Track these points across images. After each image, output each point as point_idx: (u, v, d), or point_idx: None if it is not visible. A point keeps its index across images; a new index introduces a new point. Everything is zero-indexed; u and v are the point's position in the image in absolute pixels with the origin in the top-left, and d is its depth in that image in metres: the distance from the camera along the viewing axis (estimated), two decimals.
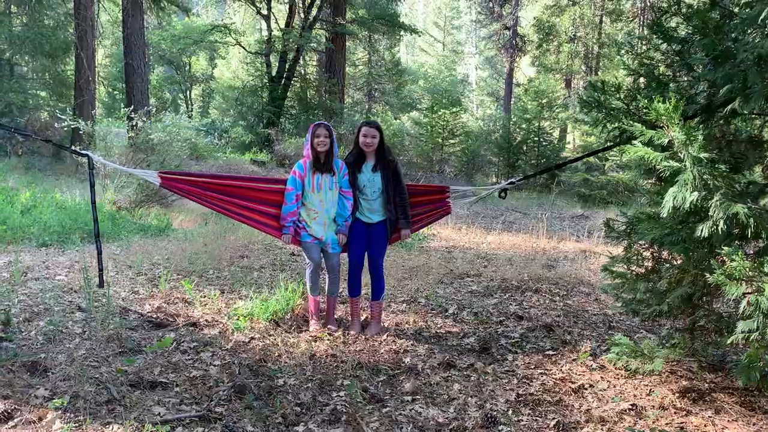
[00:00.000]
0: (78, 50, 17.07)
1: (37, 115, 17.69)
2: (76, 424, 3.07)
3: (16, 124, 16.30)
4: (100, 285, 4.62)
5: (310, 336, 4.70)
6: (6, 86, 16.01)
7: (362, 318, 5.06)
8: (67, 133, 16.28)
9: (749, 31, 3.35)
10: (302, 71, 28.27)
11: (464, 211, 13.07)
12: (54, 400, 3.29)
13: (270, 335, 4.67)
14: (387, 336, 4.83)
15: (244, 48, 27.45)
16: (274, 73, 25.61)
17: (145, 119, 11.60)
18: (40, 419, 3.12)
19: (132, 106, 12.58)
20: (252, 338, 4.59)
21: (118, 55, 31.12)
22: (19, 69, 18.38)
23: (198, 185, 4.72)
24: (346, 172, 4.82)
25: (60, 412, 3.20)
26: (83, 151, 4.76)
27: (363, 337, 4.82)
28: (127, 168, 5.08)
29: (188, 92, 38.60)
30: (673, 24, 3.73)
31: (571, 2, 28.33)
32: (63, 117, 11.75)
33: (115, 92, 34.39)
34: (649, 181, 3.98)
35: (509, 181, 5.22)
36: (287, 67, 25.57)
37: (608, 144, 4.15)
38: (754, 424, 3.51)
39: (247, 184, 4.93)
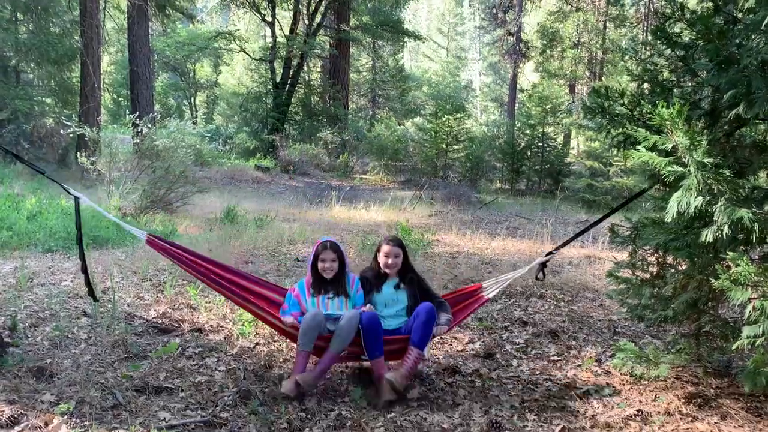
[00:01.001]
0: (84, 57, 17.18)
1: (42, 122, 17.77)
2: (82, 429, 3.08)
3: (21, 131, 16.38)
4: (94, 299, 4.24)
5: (286, 391, 3.67)
6: (12, 93, 16.09)
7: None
8: (72, 139, 16.36)
9: (753, 36, 3.35)
10: (306, 77, 28.42)
11: (468, 216, 13.08)
12: (60, 405, 3.31)
13: (275, 341, 4.67)
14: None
15: (248, 54, 27.60)
16: (278, 80, 25.72)
17: (149, 126, 11.65)
18: (47, 424, 3.13)
19: (137, 113, 12.66)
20: (257, 344, 4.60)
21: (123, 62, 31.31)
22: (25, 76, 18.48)
23: (183, 261, 4.07)
24: (359, 287, 4.12)
25: (66, 417, 3.21)
26: (73, 192, 4.18)
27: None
28: (114, 218, 4.73)
29: (192, 99, 38.80)
30: (676, 29, 3.73)
31: (574, 8, 28.38)
32: (69, 123, 11.82)
33: (120, 99, 34.58)
34: (654, 187, 3.97)
35: (547, 253, 4.28)
36: (291, 73, 25.68)
37: (613, 151, 4.15)
38: (760, 430, 3.50)
39: (238, 280, 4.12)
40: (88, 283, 4.08)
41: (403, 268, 4.19)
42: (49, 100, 19.00)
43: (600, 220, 4.28)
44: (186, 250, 4.17)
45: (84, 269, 4.07)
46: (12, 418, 3.13)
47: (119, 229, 8.83)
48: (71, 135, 13.27)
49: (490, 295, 4.23)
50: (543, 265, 4.23)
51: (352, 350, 3.91)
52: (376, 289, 4.13)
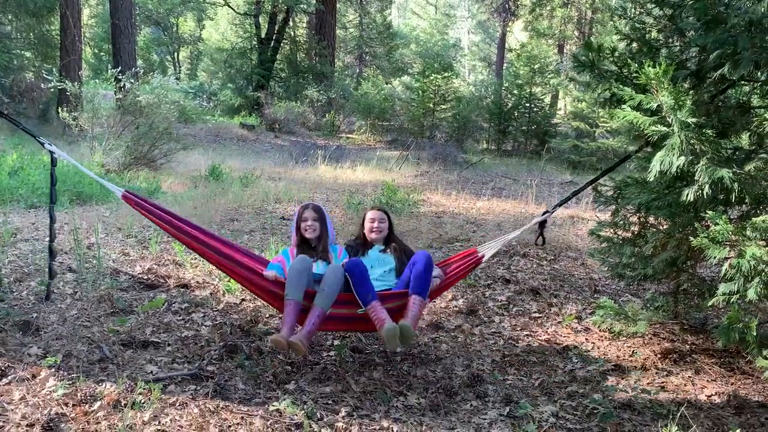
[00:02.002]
0: (63, 9, 16.70)
1: (22, 76, 17.39)
2: (70, 382, 3.11)
3: (0, 85, 16.04)
4: (47, 298, 4.22)
5: (274, 343, 3.39)
6: None
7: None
8: (53, 94, 16.06)
9: None
10: (292, 33, 27.93)
11: (454, 177, 13.10)
12: (47, 359, 3.34)
13: (257, 298, 4.70)
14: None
15: (232, 9, 27.01)
16: (263, 35, 25.26)
17: (132, 81, 11.44)
18: (34, 377, 3.16)
19: (119, 68, 12.41)
20: (243, 300, 4.64)
21: (104, 15, 30.52)
22: (2, 28, 17.98)
23: (162, 219, 3.88)
24: (347, 258, 3.96)
25: (53, 369, 3.24)
26: (47, 146, 4.08)
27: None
28: (91, 173, 4.57)
29: (176, 54, 38.04)
30: None
31: None
32: (49, 78, 11.58)
33: (102, 53, 33.80)
34: (644, 150, 3.99)
35: (544, 212, 4.18)
36: (277, 28, 25.22)
37: (598, 111, 4.14)
38: (732, 384, 3.62)
39: (218, 246, 3.91)
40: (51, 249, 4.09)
41: (389, 235, 4.13)
42: (28, 54, 18.56)
43: (599, 177, 4.17)
44: (162, 209, 4.01)
45: (52, 236, 4.07)
46: None
47: (103, 185, 8.76)
48: (52, 90, 13.04)
49: (487, 256, 4.09)
50: (542, 226, 4.12)
51: (346, 311, 3.64)
52: (362, 253, 4.03)
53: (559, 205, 4.30)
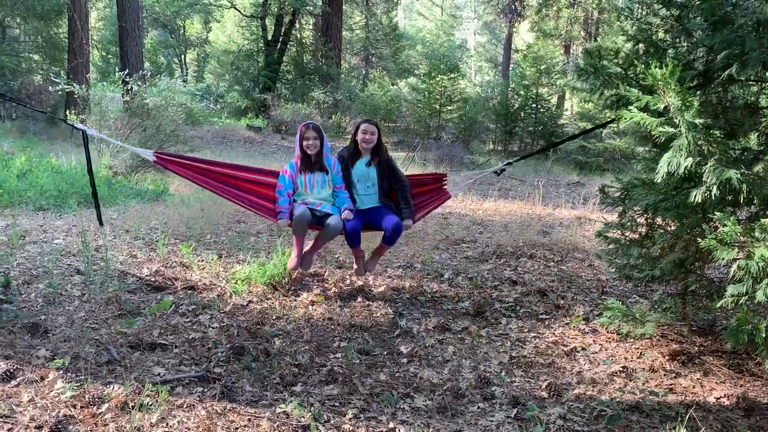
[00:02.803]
0: (71, 12, 16.81)
1: (30, 79, 17.51)
2: (78, 384, 3.12)
3: (9, 87, 16.15)
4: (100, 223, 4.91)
5: (290, 268, 4.85)
6: None
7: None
8: (61, 97, 16.14)
9: None
10: (298, 35, 27.99)
11: (460, 178, 13.07)
12: (55, 361, 3.35)
13: (267, 299, 4.72)
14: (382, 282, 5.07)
15: (239, 11, 27.10)
16: (269, 37, 25.34)
17: (140, 83, 11.50)
18: (42, 379, 3.17)
19: (126, 70, 12.47)
20: (250, 302, 4.65)
21: (111, 17, 30.69)
22: (11, 31, 18.12)
23: (191, 169, 4.63)
24: (340, 169, 4.77)
25: (61, 372, 3.26)
26: (80, 126, 4.74)
27: (361, 282, 5.15)
28: (123, 143, 5.06)
29: (183, 56, 38.21)
30: None
31: None
32: (57, 80, 11.65)
33: (109, 56, 34.00)
34: (644, 148, 3.99)
35: (506, 162, 5.08)
36: (283, 30, 25.30)
37: (606, 112, 4.14)
38: (741, 386, 3.60)
39: (240, 174, 4.78)
40: (97, 206, 4.78)
41: (377, 147, 4.78)
42: (36, 57, 18.69)
43: (557, 144, 4.79)
44: (192, 158, 4.80)
45: (96, 204, 4.77)
46: (8, 373, 3.17)
47: (111, 187, 8.80)
48: (60, 92, 13.11)
49: (452, 192, 5.08)
50: (501, 170, 5.07)
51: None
52: (350, 164, 4.76)
53: (524, 158, 5.55)
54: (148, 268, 5.21)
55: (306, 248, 4.86)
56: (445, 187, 5.07)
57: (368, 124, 4.80)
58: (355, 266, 5.00)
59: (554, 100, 22.25)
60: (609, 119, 4.15)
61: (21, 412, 2.84)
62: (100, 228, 4.82)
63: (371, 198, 4.78)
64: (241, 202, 4.67)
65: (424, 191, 5.07)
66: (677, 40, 3.86)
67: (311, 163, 4.70)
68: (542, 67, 19.65)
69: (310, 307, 4.65)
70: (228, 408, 3.06)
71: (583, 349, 4.14)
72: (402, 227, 4.64)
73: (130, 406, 2.95)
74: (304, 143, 4.68)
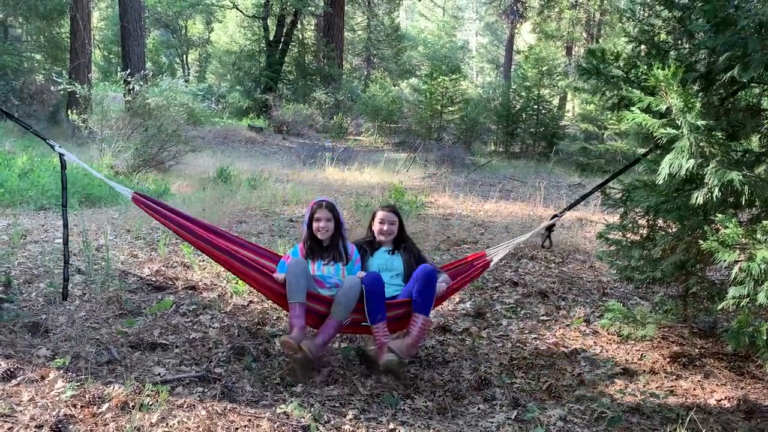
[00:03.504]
0: (73, 12, 16.83)
1: (32, 78, 17.52)
2: (78, 383, 3.12)
3: (11, 87, 16.16)
4: (64, 298, 4.14)
5: (283, 344, 3.48)
6: (0, 48, 15.80)
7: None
8: (63, 96, 16.15)
9: None
10: (300, 36, 28.02)
11: (462, 179, 13.08)
12: (56, 360, 3.35)
13: (268, 299, 4.71)
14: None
15: (241, 11, 27.13)
16: (271, 38, 25.36)
17: (141, 83, 11.50)
18: (43, 378, 3.17)
19: (128, 70, 12.47)
20: (250, 302, 4.65)
21: (113, 17, 30.70)
22: (13, 31, 18.14)
23: (170, 220, 3.84)
24: (359, 258, 3.92)
25: (62, 371, 3.25)
26: (57, 148, 4.06)
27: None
28: (100, 175, 4.47)
29: (185, 56, 38.22)
30: None
31: None
32: (59, 80, 11.66)
33: (111, 56, 34.01)
34: (653, 153, 3.97)
35: (552, 216, 4.19)
36: (285, 31, 25.31)
37: (607, 114, 4.11)
38: (742, 388, 3.59)
39: (227, 245, 3.83)
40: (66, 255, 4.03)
41: (399, 237, 4.04)
42: (38, 56, 18.71)
43: (607, 181, 4.13)
44: (173, 210, 3.97)
45: (65, 240, 3.99)
46: (8, 372, 3.17)
47: (112, 188, 8.80)
48: (61, 92, 13.11)
49: (495, 259, 4.07)
50: (549, 229, 4.14)
51: (354, 317, 3.64)
52: (369, 253, 3.96)
53: (568, 209, 4.28)
54: (149, 268, 5.21)
55: (315, 335, 3.58)
56: (486, 259, 4.09)
57: (386, 212, 4.03)
58: (378, 353, 3.51)
59: (556, 101, 22.25)
60: (640, 155, 3.98)
61: (21, 411, 2.84)
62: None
63: (395, 288, 3.85)
64: (227, 267, 3.80)
65: (465, 270, 4.09)
66: (679, 41, 3.85)
67: (321, 249, 3.87)
68: (544, 68, 19.64)
69: None
70: (228, 408, 3.06)
71: (583, 350, 4.14)
72: (434, 271, 3.71)
73: (130, 406, 2.94)
74: (315, 224, 3.84)
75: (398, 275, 3.91)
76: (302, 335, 3.42)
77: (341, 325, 3.59)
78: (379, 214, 4.03)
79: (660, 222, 4.07)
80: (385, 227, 3.98)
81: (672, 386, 3.62)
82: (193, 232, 3.78)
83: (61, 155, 4.02)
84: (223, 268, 5.20)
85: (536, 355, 4.06)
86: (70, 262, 5.15)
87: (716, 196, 3.04)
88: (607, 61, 3.62)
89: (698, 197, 3.15)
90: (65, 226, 4.00)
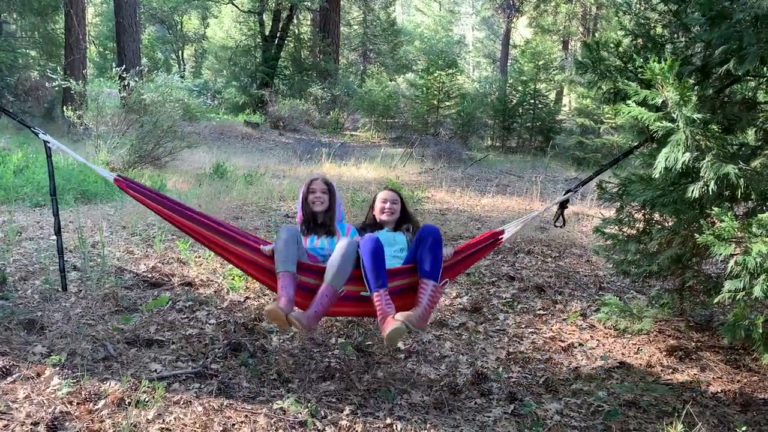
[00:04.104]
0: (67, 8, 16.73)
1: (27, 75, 17.42)
2: (74, 380, 3.12)
3: (5, 83, 16.08)
4: (63, 289, 4.10)
5: (268, 314, 3.13)
6: None
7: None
8: (58, 93, 16.09)
9: None
10: (296, 31, 27.91)
11: (458, 174, 13.08)
12: (51, 357, 3.34)
13: (265, 295, 4.71)
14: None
15: (236, 6, 27.00)
16: (267, 33, 25.28)
17: (136, 79, 11.45)
18: (38, 375, 3.17)
19: (123, 66, 12.41)
20: (247, 298, 4.64)
21: (108, 13, 30.57)
22: (7, 27, 18.02)
23: (156, 202, 3.66)
24: (357, 236, 3.68)
25: (57, 368, 3.25)
26: (41, 135, 3.92)
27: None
28: (81, 159, 4.31)
29: (180, 52, 38.09)
30: None
31: None
32: (54, 76, 11.60)
33: (106, 52, 33.87)
34: (647, 145, 3.96)
35: (566, 191, 3.94)
36: (281, 26, 25.23)
37: (603, 108, 4.10)
38: (738, 381, 3.60)
39: (214, 226, 3.56)
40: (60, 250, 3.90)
41: (402, 218, 3.84)
42: (33, 53, 18.59)
43: (619, 160, 3.93)
44: (155, 192, 3.79)
45: (57, 230, 3.86)
46: (4, 369, 3.17)
47: (108, 183, 8.77)
48: (57, 88, 13.05)
49: (507, 235, 3.79)
50: (562, 206, 3.87)
51: (350, 289, 3.32)
52: (371, 231, 3.69)
53: (582, 184, 4.05)
54: (145, 264, 5.19)
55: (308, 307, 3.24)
56: (501, 238, 3.80)
57: (388, 192, 3.89)
58: (381, 326, 3.09)
59: (552, 95, 22.22)
60: (636, 144, 3.92)
61: (17, 408, 2.83)
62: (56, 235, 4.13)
63: (398, 261, 3.54)
64: (210, 246, 3.55)
65: (481, 248, 3.77)
66: (675, 35, 3.85)
67: (317, 224, 3.73)
68: (540, 62, 19.62)
69: None
70: (225, 404, 3.05)
71: (580, 344, 4.14)
72: (439, 232, 3.35)
73: (126, 403, 2.94)
74: (310, 196, 3.75)
75: (402, 249, 3.62)
76: (291, 308, 3.11)
77: (336, 293, 3.23)
78: (381, 195, 3.88)
79: (656, 216, 4.07)
80: (387, 205, 3.80)
81: (668, 380, 3.63)
82: (179, 212, 3.59)
83: (45, 143, 3.87)
84: (219, 265, 5.19)
85: (533, 349, 4.06)
86: (65, 259, 5.14)
87: (712, 189, 3.04)
88: (606, 49, 3.61)
89: (694, 191, 3.15)
90: (56, 215, 3.90)
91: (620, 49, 3.62)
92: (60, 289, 4.21)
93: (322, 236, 3.67)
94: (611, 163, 4.01)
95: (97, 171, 4.05)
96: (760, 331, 3.04)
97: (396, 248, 3.63)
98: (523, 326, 4.46)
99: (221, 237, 3.49)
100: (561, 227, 3.99)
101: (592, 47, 3.61)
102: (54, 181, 3.94)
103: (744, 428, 2.93)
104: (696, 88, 3.49)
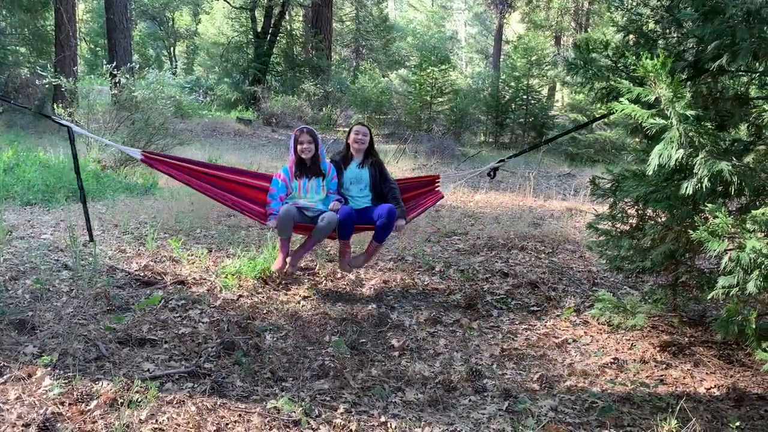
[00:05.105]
0: (57, 4, 16.61)
1: (17, 72, 17.29)
2: (66, 381, 3.09)
3: None
4: (90, 239, 4.82)
5: (275, 270, 4.73)
6: None
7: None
8: (48, 90, 15.96)
9: None
10: (288, 27, 27.84)
11: (451, 169, 13.07)
12: (43, 357, 3.31)
13: (258, 293, 4.69)
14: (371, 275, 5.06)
15: (228, 2, 26.88)
16: (259, 29, 25.20)
17: (128, 76, 11.39)
18: (30, 376, 3.14)
19: (114, 63, 12.33)
20: (240, 296, 4.62)
21: (99, 10, 30.39)
22: None
23: (179, 169, 4.61)
24: (335, 175, 4.80)
25: (49, 368, 3.22)
26: (64, 122, 4.65)
27: (349, 275, 5.18)
28: (111, 142, 5.01)
29: (172, 49, 37.93)
30: None
31: None
32: (44, 74, 11.51)
33: (97, 49, 33.68)
34: (636, 139, 3.98)
35: (499, 160, 5.09)
36: (273, 22, 25.14)
37: (597, 104, 4.11)
38: (731, 376, 3.62)
39: (231, 176, 4.80)
40: (87, 220, 4.71)
41: (368, 150, 4.88)
42: (23, 50, 18.47)
43: (550, 140, 5.82)
44: (181, 159, 4.75)
45: (85, 210, 4.69)
46: None
47: (99, 181, 8.72)
48: (47, 86, 12.94)
49: (445, 191, 5.18)
50: (494, 170, 5.07)
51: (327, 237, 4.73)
52: (344, 166, 4.83)
53: (516, 155, 5.43)
54: (137, 263, 5.16)
55: (295, 248, 4.87)
56: (438, 188, 5.18)
57: (360, 126, 4.92)
58: (340, 259, 4.88)
59: (545, 91, 22.27)
60: (602, 114, 4.13)
61: (8, 410, 2.81)
62: (90, 242, 4.92)
63: (365, 200, 4.82)
64: (231, 204, 4.65)
65: (418, 194, 5.18)
66: (667, 30, 3.85)
67: (306, 167, 4.70)
68: (533, 58, 19.64)
69: (301, 301, 4.63)
70: (218, 403, 3.04)
71: (574, 340, 4.15)
72: (395, 213, 4.61)
73: (119, 403, 2.92)
74: (299, 147, 4.65)
75: (366, 186, 4.83)
76: (284, 262, 4.68)
77: (316, 243, 4.84)
78: (355, 128, 4.89)
79: (649, 212, 4.08)
80: (359, 137, 4.82)
81: (662, 375, 3.64)
82: (202, 175, 4.66)
83: (68, 128, 4.61)
84: (212, 263, 5.17)
85: (527, 345, 4.06)
86: (56, 258, 5.11)
87: (705, 185, 3.04)
88: (596, 50, 3.61)
89: (688, 187, 3.15)
90: (81, 188, 4.75)
91: (609, 48, 3.61)
92: (50, 289, 4.20)
93: (311, 177, 4.68)
94: (553, 138, 4.69)
95: (120, 148, 5.20)
96: (753, 326, 3.05)
97: (362, 185, 4.83)
98: (517, 323, 4.46)
99: (244, 198, 4.75)
100: (492, 177, 5.11)
101: (582, 47, 3.60)
102: (77, 161, 4.71)
103: (737, 423, 2.94)
104: (688, 84, 3.50)
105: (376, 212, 4.66)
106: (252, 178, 4.86)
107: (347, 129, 5.05)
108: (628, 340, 4.15)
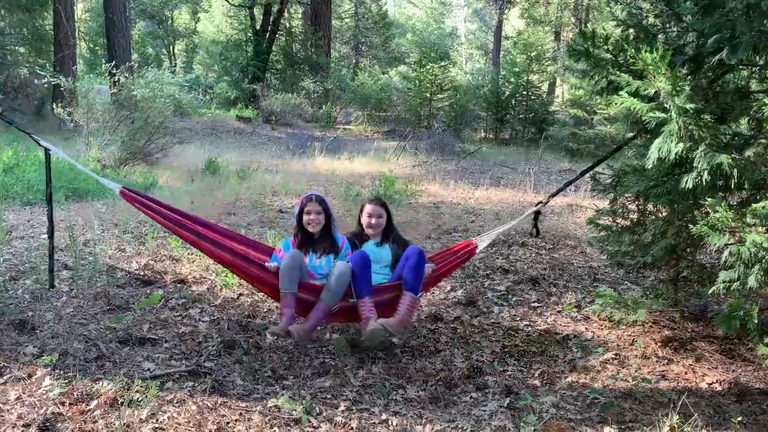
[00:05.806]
0: (56, 4, 16.59)
1: (16, 72, 17.28)
2: (66, 381, 3.08)
3: None
4: (50, 286, 4.30)
5: (279, 332, 3.60)
6: None
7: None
8: (48, 90, 15.95)
9: None
10: (287, 24, 27.81)
11: (452, 166, 13.06)
12: (43, 357, 3.31)
13: (259, 291, 4.68)
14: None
15: (227, 0, 26.84)
16: (258, 27, 25.16)
17: (127, 75, 11.37)
18: (30, 376, 3.13)
19: (113, 62, 12.32)
20: (240, 294, 4.61)
21: (98, 9, 30.31)
22: None
23: (161, 215, 3.87)
24: (349, 251, 3.94)
25: (49, 369, 3.21)
26: (42, 143, 4.10)
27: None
28: (87, 170, 4.59)
29: (171, 47, 37.88)
30: None
31: None
32: (43, 73, 11.49)
33: (97, 48, 33.62)
34: (642, 136, 3.96)
35: (538, 203, 4.22)
36: (272, 20, 25.11)
37: (596, 99, 4.08)
38: (733, 371, 3.61)
39: (219, 238, 3.88)
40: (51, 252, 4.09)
41: (387, 229, 4.09)
42: (22, 49, 18.45)
43: (594, 166, 4.16)
44: (161, 204, 3.99)
45: (50, 233, 4.04)
46: None
47: (99, 182, 8.71)
48: (46, 85, 12.92)
49: (481, 247, 4.16)
50: (536, 216, 4.19)
51: (342, 304, 3.74)
52: (359, 246, 4.01)
53: (553, 195, 4.31)
54: (137, 262, 5.16)
55: (304, 319, 3.72)
56: (472, 246, 4.17)
57: (373, 206, 4.06)
58: (363, 327, 3.58)
59: (545, 87, 22.25)
60: (628, 139, 4.03)
61: (8, 410, 2.80)
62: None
63: (383, 278, 3.94)
64: (218, 260, 3.86)
65: (455, 258, 4.18)
66: (667, 25, 3.83)
67: (312, 241, 3.92)
68: (533, 53, 19.61)
69: None
70: (219, 402, 3.03)
71: (575, 336, 4.14)
72: (424, 254, 3.79)
73: (119, 402, 2.91)
74: (306, 218, 3.89)
75: (386, 266, 4.00)
76: (291, 323, 3.59)
77: (330, 309, 3.69)
78: (367, 208, 4.08)
79: (650, 207, 4.07)
80: (373, 221, 4.03)
81: (664, 370, 3.63)
82: (182, 224, 3.85)
83: (46, 149, 4.08)
84: (212, 261, 5.16)
85: (528, 342, 4.05)
86: (56, 258, 5.10)
87: (706, 179, 3.03)
88: (597, 44, 3.59)
89: (688, 181, 3.13)
90: (50, 222, 4.10)
91: (609, 42, 3.59)
92: (48, 286, 4.18)
93: (321, 255, 3.91)
94: (587, 170, 4.16)
95: (101, 181, 4.36)
96: (755, 321, 3.04)
97: (381, 264, 3.97)
98: (518, 319, 4.45)
99: (229, 253, 3.78)
100: (536, 236, 4.32)
101: (587, 35, 3.58)
102: (50, 187, 4.21)
103: (739, 418, 2.93)
104: (689, 78, 3.48)
105: (399, 263, 3.86)
106: (244, 245, 4.03)
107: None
108: (630, 335, 4.14)
